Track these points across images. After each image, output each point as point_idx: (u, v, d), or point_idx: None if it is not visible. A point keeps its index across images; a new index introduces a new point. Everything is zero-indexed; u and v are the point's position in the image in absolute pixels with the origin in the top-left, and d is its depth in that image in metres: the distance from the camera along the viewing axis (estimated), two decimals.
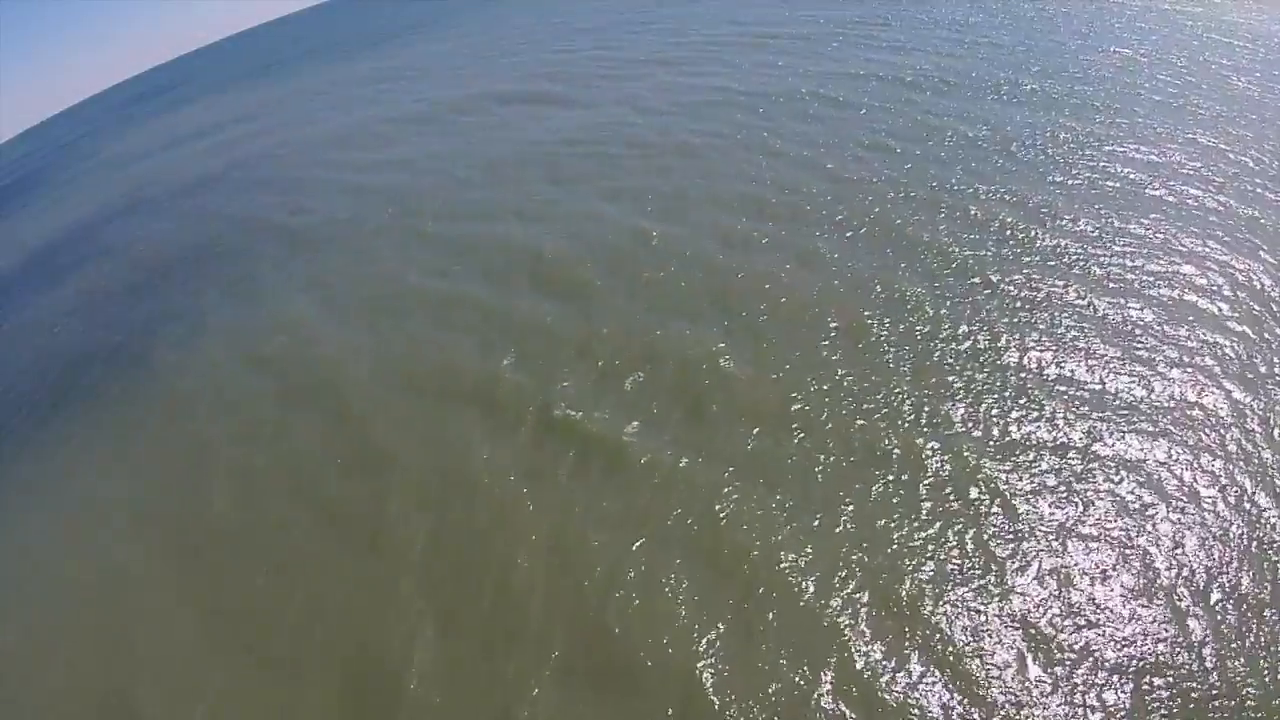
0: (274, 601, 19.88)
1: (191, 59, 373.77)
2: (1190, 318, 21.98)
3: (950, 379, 21.10)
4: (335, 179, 51.12)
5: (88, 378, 34.79)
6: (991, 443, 19.02)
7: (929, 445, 19.22)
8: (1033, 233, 26.74)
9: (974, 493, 17.90)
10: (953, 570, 16.41)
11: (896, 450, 19.28)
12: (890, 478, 18.63)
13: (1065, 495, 17.58)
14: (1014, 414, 19.73)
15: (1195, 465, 17.73)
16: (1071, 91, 38.13)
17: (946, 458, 18.79)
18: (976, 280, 24.79)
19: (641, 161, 39.22)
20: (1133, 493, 17.36)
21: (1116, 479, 17.72)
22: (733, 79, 50.45)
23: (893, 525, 17.54)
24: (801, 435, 20.27)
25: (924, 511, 17.71)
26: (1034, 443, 18.86)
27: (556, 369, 24.81)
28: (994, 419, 19.64)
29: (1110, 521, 16.86)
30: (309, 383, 28.11)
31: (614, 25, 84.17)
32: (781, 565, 17.21)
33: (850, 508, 18.11)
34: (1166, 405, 19.34)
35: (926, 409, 20.27)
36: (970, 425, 19.58)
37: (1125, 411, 19.31)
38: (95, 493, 26.57)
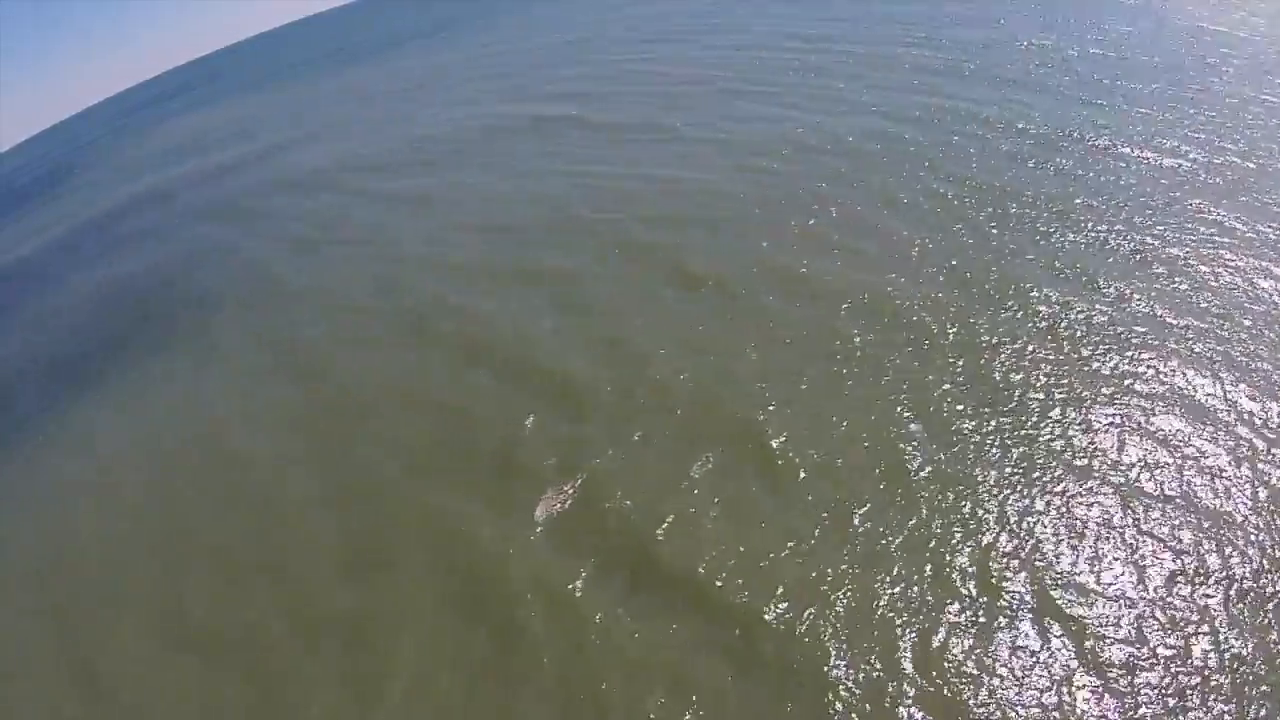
0: None
1: (220, 56, 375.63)
2: None
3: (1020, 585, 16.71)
4: (332, 213, 49.25)
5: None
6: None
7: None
8: (1139, 365, 21.35)
9: None
10: None
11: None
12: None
13: None
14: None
15: None
16: (1176, 135, 32.80)
17: None
18: (1061, 431, 20.05)
19: (665, 224, 34.56)
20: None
21: None
22: (778, 104, 46.29)
23: None
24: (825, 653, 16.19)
25: None
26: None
27: (526, 530, 20.93)
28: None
29: None
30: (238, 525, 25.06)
31: (647, 32, 79.67)
32: None
33: None
34: None
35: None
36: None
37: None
38: None
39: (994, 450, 19.43)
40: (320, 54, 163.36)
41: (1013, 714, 14.04)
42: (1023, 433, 19.73)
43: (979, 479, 18.69)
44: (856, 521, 18.33)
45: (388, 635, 19.20)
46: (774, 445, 20.97)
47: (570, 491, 21.44)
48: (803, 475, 19.93)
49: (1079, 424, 19.62)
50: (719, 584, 17.73)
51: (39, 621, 24.30)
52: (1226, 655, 14.15)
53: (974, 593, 16.10)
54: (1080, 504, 17.52)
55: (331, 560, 22.04)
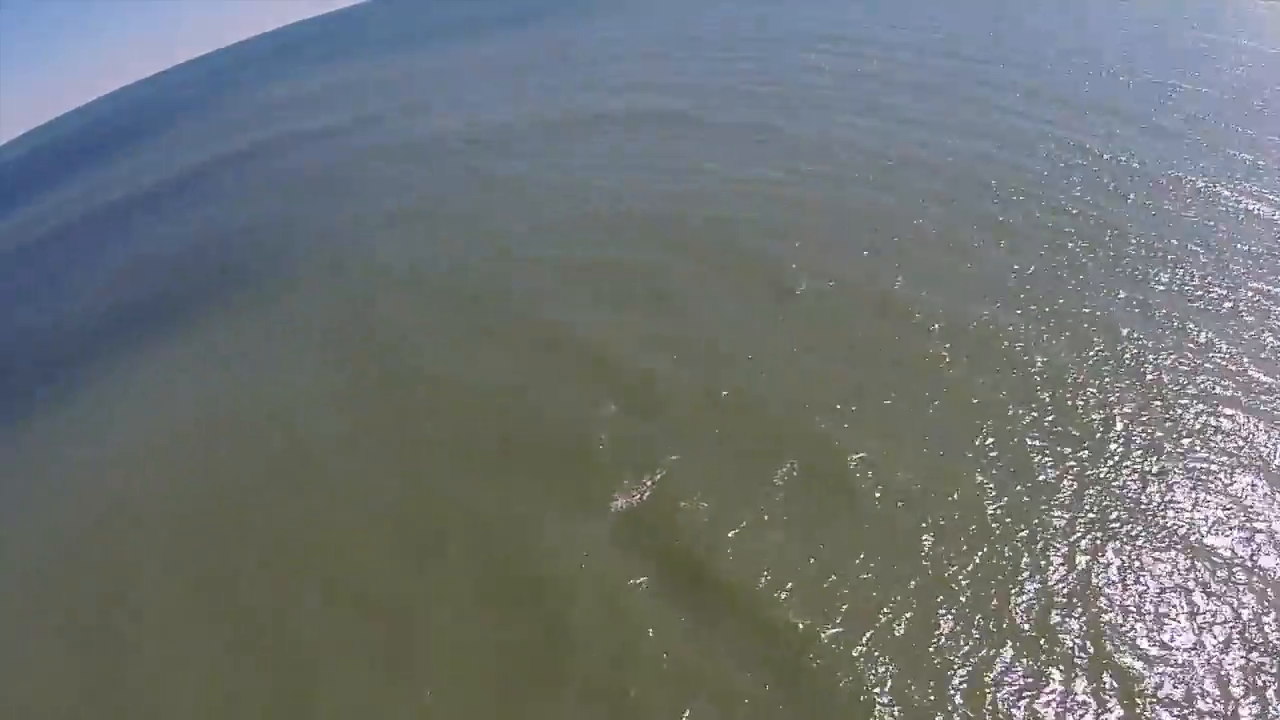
0: None
1: (308, 25, 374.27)
2: None
3: None
4: (426, 189, 50.76)
5: None
6: None
7: None
8: (1221, 420, 21.12)
9: None
10: None
11: None
12: None
13: None
14: None
15: None
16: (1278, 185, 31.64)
17: None
18: (1137, 479, 20.46)
19: (764, 229, 34.60)
20: None
21: None
22: (885, 118, 45.59)
23: None
24: None
25: None
26: None
27: (591, 523, 21.88)
28: None
29: None
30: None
31: (748, 33, 77.91)
32: None
33: None
34: None
35: None
36: None
37: None
38: None
39: (1069, 489, 19.84)
40: (401, 33, 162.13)
41: None
42: (1099, 475, 20.08)
43: (1051, 517, 19.15)
44: (926, 547, 18.96)
45: (429, 621, 20.21)
46: (852, 461, 21.59)
47: (648, 486, 22.32)
48: (878, 494, 20.56)
49: (1155, 474, 19.88)
50: (779, 597, 18.46)
51: (77, 568, 26.37)
52: None
53: (1032, 635, 16.68)
54: (1148, 556, 17.88)
55: (383, 542, 23.06)
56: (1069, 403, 22.47)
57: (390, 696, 18.74)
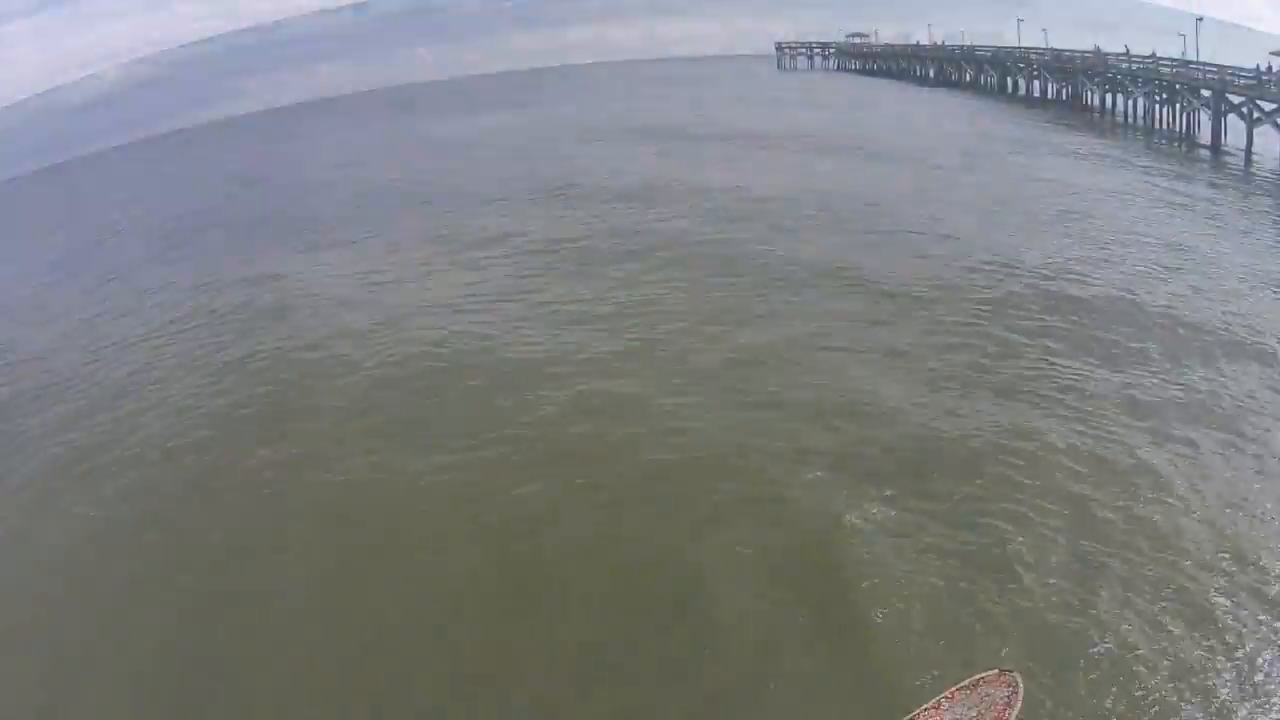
0: None
1: None
2: None
3: None
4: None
5: None
6: None
7: None
8: None
9: None
10: None
11: None
12: None
13: None
14: None
15: None
16: None
17: None
18: None
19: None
20: None
21: None
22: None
23: None
24: None
25: None
26: None
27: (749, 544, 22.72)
28: None
29: None
30: None
31: None
32: None
33: None
34: None
35: None
36: None
37: None
38: None
39: (1248, 646, 18.96)
40: None
41: None
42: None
43: (1215, 672, 18.29)
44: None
45: (565, 583, 21.54)
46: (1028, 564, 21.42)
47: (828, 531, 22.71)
48: (1054, 598, 20.27)
49: None
50: (905, 685, 18.03)
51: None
52: None
53: None
54: None
55: (550, 496, 24.91)
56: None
57: (508, 634, 20.08)
